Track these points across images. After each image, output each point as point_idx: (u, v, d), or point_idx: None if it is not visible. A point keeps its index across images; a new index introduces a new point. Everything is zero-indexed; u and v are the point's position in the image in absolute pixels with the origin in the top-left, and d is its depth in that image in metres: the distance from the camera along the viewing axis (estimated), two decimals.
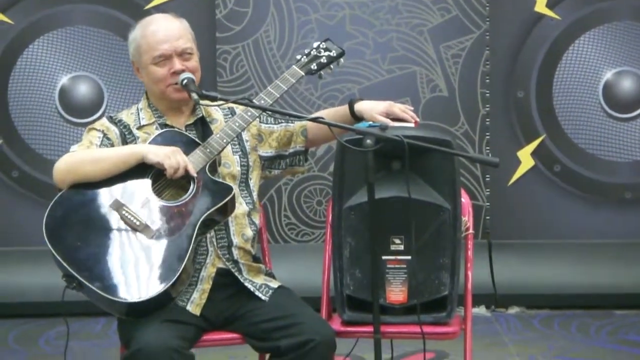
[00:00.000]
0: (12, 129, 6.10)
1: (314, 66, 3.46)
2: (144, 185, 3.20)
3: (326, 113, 3.48)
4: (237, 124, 3.31)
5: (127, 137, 3.34)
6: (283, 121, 3.52)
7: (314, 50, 3.49)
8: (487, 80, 6.03)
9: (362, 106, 3.41)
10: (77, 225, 3.14)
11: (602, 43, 6.15)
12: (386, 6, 6.01)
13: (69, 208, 3.16)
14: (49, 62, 6.09)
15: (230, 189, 3.24)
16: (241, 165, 3.40)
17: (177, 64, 3.30)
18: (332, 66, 3.49)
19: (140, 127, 3.36)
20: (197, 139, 3.32)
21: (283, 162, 3.53)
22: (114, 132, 3.34)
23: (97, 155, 3.23)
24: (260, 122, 3.49)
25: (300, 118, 3.44)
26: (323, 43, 3.51)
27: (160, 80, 3.33)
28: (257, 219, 3.42)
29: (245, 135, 3.43)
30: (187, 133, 3.34)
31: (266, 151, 3.49)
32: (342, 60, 3.52)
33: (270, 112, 3.41)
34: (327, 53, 3.48)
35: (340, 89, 5.99)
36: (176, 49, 3.32)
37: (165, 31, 3.33)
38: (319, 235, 6.03)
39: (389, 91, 6.01)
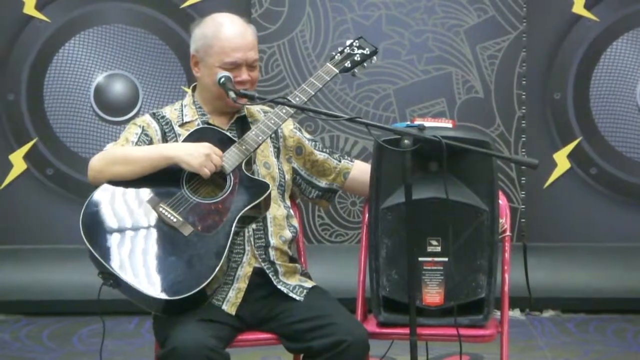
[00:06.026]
0: (48, 126, 6.11)
1: (348, 64, 3.46)
2: (180, 182, 3.20)
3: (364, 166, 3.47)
4: (272, 121, 3.30)
5: (167, 134, 3.33)
6: (327, 152, 3.51)
7: (348, 48, 3.49)
8: (524, 82, 5.98)
9: None
10: (114, 222, 3.14)
11: None
12: (422, 6, 5.97)
13: (105, 205, 3.17)
14: (85, 60, 6.10)
15: (267, 186, 3.24)
16: (279, 169, 3.40)
17: (244, 74, 3.30)
18: (365, 64, 3.49)
19: (182, 125, 3.36)
20: (233, 137, 3.30)
21: (315, 191, 3.52)
22: (154, 128, 3.34)
23: (129, 156, 3.21)
24: (303, 136, 3.49)
25: (336, 118, 3.43)
26: (357, 41, 3.52)
27: None
28: (295, 222, 3.42)
29: (282, 143, 3.43)
30: (222, 130, 3.33)
31: (300, 167, 3.48)
32: (375, 58, 3.52)
33: (306, 110, 3.40)
34: (360, 51, 3.49)
35: (375, 89, 5.96)
36: (247, 59, 3.31)
37: (241, 39, 3.32)
38: (352, 236, 6.00)
39: (425, 92, 5.98)
